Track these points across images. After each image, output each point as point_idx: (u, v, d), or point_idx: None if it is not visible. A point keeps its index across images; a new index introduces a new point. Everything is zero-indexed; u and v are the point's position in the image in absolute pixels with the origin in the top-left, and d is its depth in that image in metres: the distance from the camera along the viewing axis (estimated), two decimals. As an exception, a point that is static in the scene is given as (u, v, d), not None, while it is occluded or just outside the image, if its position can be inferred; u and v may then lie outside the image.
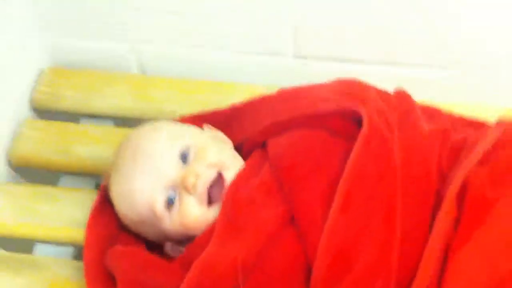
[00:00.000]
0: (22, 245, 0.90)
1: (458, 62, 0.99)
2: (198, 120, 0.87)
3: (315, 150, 0.76)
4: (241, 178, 0.76)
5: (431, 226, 0.70)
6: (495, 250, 0.67)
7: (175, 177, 0.74)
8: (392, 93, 0.86)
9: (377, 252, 0.68)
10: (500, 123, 0.81)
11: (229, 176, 0.76)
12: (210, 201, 0.75)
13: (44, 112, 1.04)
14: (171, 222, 0.75)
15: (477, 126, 0.85)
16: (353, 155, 0.72)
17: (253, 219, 0.72)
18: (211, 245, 0.71)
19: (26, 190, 0.93)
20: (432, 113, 0.85)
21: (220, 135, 0.84)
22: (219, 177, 0.75)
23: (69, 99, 1.02)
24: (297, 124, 0.79)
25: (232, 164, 0.78)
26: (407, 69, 1.00)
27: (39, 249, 0.89)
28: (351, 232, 0.69)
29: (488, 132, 0.78)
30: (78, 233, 0.83)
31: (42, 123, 1.00)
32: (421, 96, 0.90)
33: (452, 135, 0.80)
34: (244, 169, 0.77)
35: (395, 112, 0.80)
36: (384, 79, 0.97)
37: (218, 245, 0.71)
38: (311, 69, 1.02)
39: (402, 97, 0.85)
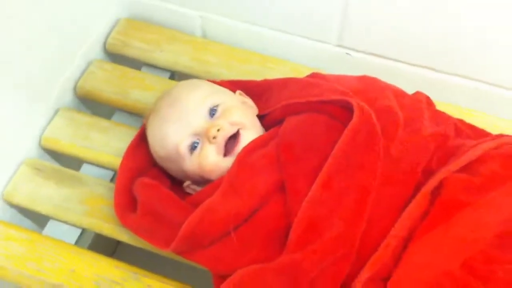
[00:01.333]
0: (72, 162, 0.99)
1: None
2: (233, 85, 0.94)
3: (315, 132, 0.83)
4: (253, 145, 0.83)
5: None
6: (448, 247, 0.73)
7: (201, 127, 0.83)
8: (409, 94, 0.91)
9: (344, 227, 0.75)
10: (498, 137, 0.84)
11: (246, 135, 0.84)
12: (226, 153, 0.84)
13: (113, 56, 1.12)
14: (191, 163, 0.84)
15: (481, 135, 0.88)
16: (340, 141, 0.78)
17: (250, 182, 0.80)
18: (215, 195, 0.80)
19: (84, 118, 1.01)
20: (440, 117, 0.88)
21: (248, 101, 0.91)
22: (237, 134, 0.84)
23: (136, 49, 1.10)
24: (308, 108, 0.85)
25: (251, 127, 0.86)
26: (443, 75, 1.03)
27: (85, 168, 0.98)
28: (326, 207, 0.76)
29: (483, 143, 0.81)
30: (119, 161, 0.90)
31: (109, 65, 1.08)
32: (452, 101, 0.96)
33: (451, 140, 0.84)
34: (258, 139, 0.84)
35: (404, 111, 0.85)
36: (419, 80, 1.02)
37: (220, 197, 0.80)
38: (352, 59, 1.06)
39: (416, 99, 0.90)
